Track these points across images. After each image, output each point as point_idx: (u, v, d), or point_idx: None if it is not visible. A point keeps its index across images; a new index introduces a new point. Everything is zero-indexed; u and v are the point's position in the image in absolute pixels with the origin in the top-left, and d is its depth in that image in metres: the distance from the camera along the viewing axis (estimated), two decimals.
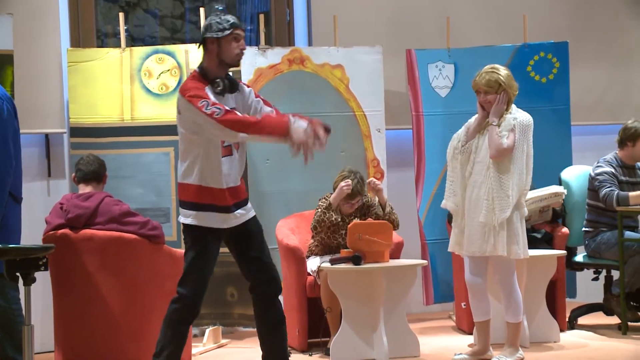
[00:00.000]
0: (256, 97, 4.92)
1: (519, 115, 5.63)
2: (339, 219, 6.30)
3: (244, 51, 4.77)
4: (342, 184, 6.25)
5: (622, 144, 6.83)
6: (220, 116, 4.50)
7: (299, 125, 4.45)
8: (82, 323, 5.57)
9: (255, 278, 4.88)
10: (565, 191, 6.71)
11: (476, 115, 5.73)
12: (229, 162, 4.75)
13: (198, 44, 4.82)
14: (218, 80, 4.72)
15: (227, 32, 4.70)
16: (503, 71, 5.65)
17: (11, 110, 5.23)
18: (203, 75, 4.75)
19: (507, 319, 5.72)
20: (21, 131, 5.55)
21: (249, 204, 4.91)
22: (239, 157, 4.83)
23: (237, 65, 4.85)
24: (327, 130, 4.52)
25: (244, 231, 4.86)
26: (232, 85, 4.80)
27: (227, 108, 4.56)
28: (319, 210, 6.30)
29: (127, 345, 5.55)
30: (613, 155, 6.84)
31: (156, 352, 4.78)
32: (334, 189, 6.32)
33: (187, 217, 4.79)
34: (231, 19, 4.74)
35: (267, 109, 4.88)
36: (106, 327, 5.54)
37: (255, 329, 5.03)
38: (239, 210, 4.81)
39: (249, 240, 4.86)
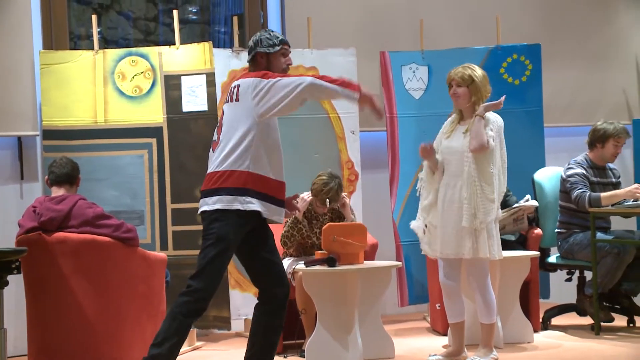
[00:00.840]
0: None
1: (491, 117, 5.66)
2: (312, 220, 6.31)
3: (290, 66, 4.96)
4: (301, 196, 6.23)
5: (592, 145, 6.87)
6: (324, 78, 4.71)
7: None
8: (55, 326, 5.55)
9: (268, 281, 4.85)
10: (537, 204, 6.72)
11: (449, 119, 5.76)
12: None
13: (249, 58, 4.95)
14: None
15: (278, 47, 4.91)
16: (479, 71, 5.70)
17: None
18: None
19: (481, 320, 5.74)
20: None
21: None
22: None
23: None
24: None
25: (266, 231, 4.87)
26: None
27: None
28: (285, 227, 6.31)
29: (101, 347, 5.53)
30: (583, 157, 6.88)
31: (156, 342, 4.67)
32: (311, 191, 6.32)
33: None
34: (280, 35, 4.97)
35: None
36: (80, 330, 5.52)
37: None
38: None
39: (267, 240, 4.87)
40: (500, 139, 5.65)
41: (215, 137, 4.85)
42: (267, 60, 4.90)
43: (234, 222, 4.69)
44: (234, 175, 4.69)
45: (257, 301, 4.90)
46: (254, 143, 4.70)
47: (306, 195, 6.29)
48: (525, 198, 6.69)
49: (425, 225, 5.82)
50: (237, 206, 4.69)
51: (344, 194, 6.41)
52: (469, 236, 5.57)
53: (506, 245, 6.58)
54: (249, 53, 4.94)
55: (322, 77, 4.73)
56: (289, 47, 4.98)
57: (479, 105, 5.65)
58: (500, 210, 5.68)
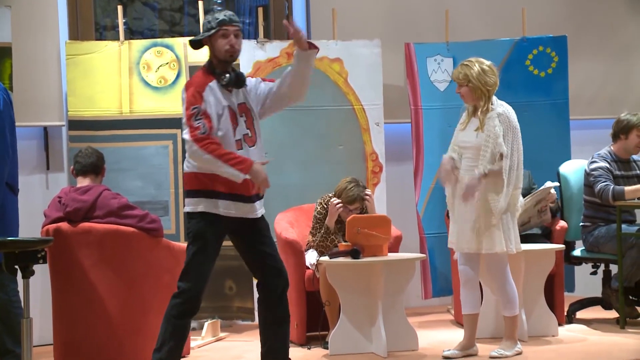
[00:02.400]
0: (264, 80, 5.00)
1: (501, 110, 5.59)
2: (338, 228, 6.31)
3: (235, 47, 4.80)
4: (333, 201, 6.23)
5: (615, 137, 6.83)
6: (202, 135, 4.61)
7: (258, 169, 4.70)
8: (80, 316, 5.58)
9: (264, 273, 4.88)
10: (555, 184, 6.66)
11: (464, 114, 5.75)
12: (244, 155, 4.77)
13: (192, 45, 4.93)
14: (224, 74, 4.79)
15: (214, 30, 4.78)
16: (476, 67, 5.63)
17: (7, 100, 5.24)
18: (211, 69, 4.82)
19: (504, 313, 5.72)
20: (20, 124, 5.57)
21: (261, 202, 4.95)
22: (256, 149, 4.87)
23: (233, 60, 4.86)
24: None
25: (254, 226, 4.88)
26: (239, 80, 4.84)
27: (212, 133, 4.65)
28: (319, 235, 6.30)
29: (126, 337, 5.56)
30: (607, 150, 6.84)
31: (157, 347, 4.79)
32: (335, 194, 6.30)
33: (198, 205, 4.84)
34: (221, 16, 4.79)
35: (275, 82, 4.96)
36: (105, 320, 5.55)
37: (253, 323, 5.04)
38: (258, 202, 4.89)
39: (259, 235, 4.88)
40: (514, 133, 5.59)
41: (248, 131, 4.85)
42: (210, 45, 4.83)
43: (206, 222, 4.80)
44: None
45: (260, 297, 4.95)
46: None
47: (336, 201, 6.26)
48: (546, 184, 6.62)
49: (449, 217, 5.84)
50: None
51: (367, 191, 6.37)
52: (484, 232, 5.54)
53: (532, 238, 6.56)
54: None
55: (207, 145, 4.64)
56: (234, 26, 4.80)
57: (483, 102, 5.59)
58: (521, 199, 5.63)
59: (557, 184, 6.73)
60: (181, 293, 4.75)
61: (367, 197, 6.32)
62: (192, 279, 4.75)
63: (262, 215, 4.95)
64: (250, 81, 4.93)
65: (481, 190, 5.53)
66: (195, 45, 4.91)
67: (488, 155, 5.52)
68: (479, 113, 5.62)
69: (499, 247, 5.54)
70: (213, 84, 4.77)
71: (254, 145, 4.85)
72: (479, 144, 5.57)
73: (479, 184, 5.53)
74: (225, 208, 4.77)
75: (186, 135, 4.66)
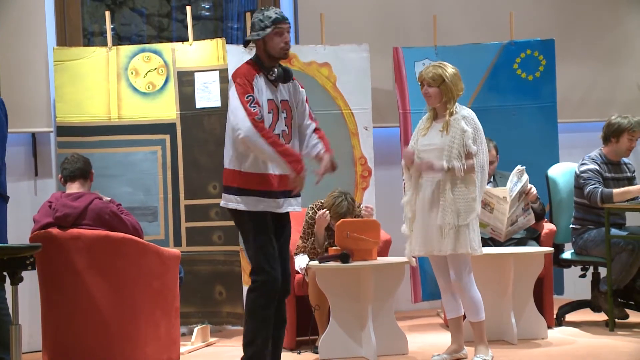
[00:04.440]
0: (306, 101, 5.05)
1: (465, 113, 5.58)
2: (328, 233, 6.31)
3: (289, 44, 4.90)
4: (319, 213, 6.24)
5: (606, 140, 6.86)
6: (260, 121, 4.67)
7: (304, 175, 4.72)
8: (69, 322, 5.56)
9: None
10: (523, 167, 6.59)
11: (423, 117, 5.73)
12: None
13: (244, 44, 5.05)
14: (273, 68, 4.87)
15: (269, 29, 4.84)
16: (450, 69, 5.64)
17: (6, 113, 5.28)
18: (258, 63, 4.89)
19: (469, 319, 5.68)
20: (7, 130, 5.56)
21: (297, 199, 4.99)
22: (291, 147, 4.87)
23: (286, 57, 4.94)
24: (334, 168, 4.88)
25: (282, 222, 4.95)
26: (287, 76, 4.93)
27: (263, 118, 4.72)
28: (310, 242, 6.31)
29: (115, 343, 5.55)
30: (598, 152, 6.87)
31: (248, 341, 4.82)
32: (325, 206, 6.29)
33: (239, 203, 4.85)
34: (273, 14, 4.87)
35: (312, 124, 5.02)
36: (94, 326, 5.53)
37: (242, 328, 5.04)
38: (288, 199, 4.91)
39: (282, 233, 4.96)
40: (480, 135, 5.56)
41: (286, 128, 4.90)
42: (263, 43, 4.88)
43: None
44: None
45: None
46: None
47: (323, 213, 6.26)
48: (517, 168, 6.57)
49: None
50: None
51: (361, 209, 6.37)
52: (450, 233, 5.50)
53: (521, 242, 6.59)
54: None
55: (266, 132, 4.71)
56: (286, 23, 4.90)
57: (451, 104, 5.59)
58: (480, 207, 5.61)
59: (523, 167, 6.63)
60: (259, 286, 4.80)
61: (368, 211, 6.33)
62: (263, 268, 4.78)
63: (290, 212, 5.00)
64: (297, 86, 5.02)
65: (448, 191, 5.50)
66: (247, 44, 5.00)
67: (454, 152, 5.50)
68: (446, 115, 5.58)
69: (464, 248, 5.49)
70: (260, 76, 4.84)
71: (289, 143, 4.88)
72: (444, 144, 5.54)
73: (439, 172, 5.51)
74: (280, 206, 4.87)
75: (242, 121, 4.66)
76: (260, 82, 4.83)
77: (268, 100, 4.83)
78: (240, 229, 4.93)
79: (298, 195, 4.97)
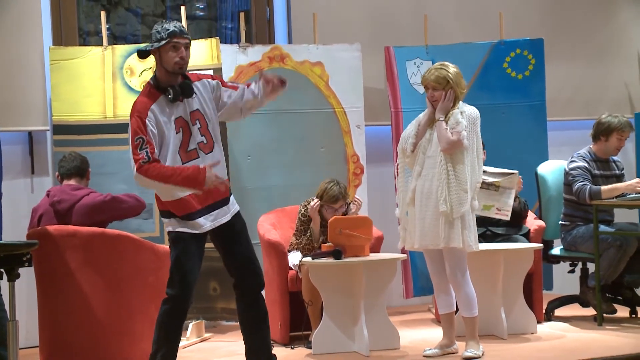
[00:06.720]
0: (224, 86, 4.90)
1: (466, 109, 5.65)
2: (322, 230, 6.37)
3: (185, 59, 4.72)
4: (312, 205, 6.30)
5: (595, 138, 6.91)
6: (145, 164, 4.61)
7: (210, 175, 4.60)
8: (66, 318, 5.60)
9: (239, 273, 4.92)
10: (516, 172, 6.58)
11: (425, 111, 5.76)
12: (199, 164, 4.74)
13: (137, 54, 4.84)
14: (169, 89, 4.71)
15: (164, 42, 4.69)
16: (452, 69, 5.66)
17: None
18: (156, 86, 4.77)
19: (463, 314, 5.72)
20: (4, 129, 5.61)
21: (231, 201, 4.92)
22: (214, 154, 4.80)
23: (181, 72, 4.77)
24: (283, 82, 4.80)
25: (228, 228, 4.89)
26: (186, 90, 4.76)
27: (155, 156, 4.63)
28: (305, 238, 6.36)
29: (111, 339, 5.59)
30: (587, 150, 6.92)
31: (151, 354, 4.82)
32: (317, 196, 6.37)
33: (168, 226, 4.87)
34: (172, 27, 4.70)
35: (236, 93, 4.88)
36: (90, 322, 5.57)
37: (237, 323, 5.08)
38: (213, 213, 4.82)
39: (233, 236, 4.90)
40: (475, 130, 5.62)
41: (203, 138, 4.79)
42: (159, 56, 4.74)
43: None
44: None
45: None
46: None
47: (314, 202, 6.34)
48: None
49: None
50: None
51: (351, 204, 6.44)
52: (444, 226, 5.55)
53: (511, 238, 6.62)
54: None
55: (153, 169, 4.62)
56: (185, 39, 4.70)
57: (455, 103, 5.63)
58: (476, 201, 5.66)
59: (516, 172, 6.65)
60: (169, 299, 4.79)
61: (356, 202, 6.39)
62: (177, 284, 4.78)
63: (238, 212, 4.94)
64: (204, 85, 4.84)
65: (444, 183, 5.55)
66: (143, 55, 4.81)
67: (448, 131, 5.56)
68: (449, 115, 5.64)
69: (456, 242, 5.53)
70: (155, 105, 4.71)
71: (211, 152, 4.80)
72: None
73: (441, 127, 5.55)
74: (201, 226, 4.80)
75: (131, 162, 4.67)
76: (158, 109, 4.70)
77: (175, 119, 4.72)
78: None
79: (227, 202, 4.87)
